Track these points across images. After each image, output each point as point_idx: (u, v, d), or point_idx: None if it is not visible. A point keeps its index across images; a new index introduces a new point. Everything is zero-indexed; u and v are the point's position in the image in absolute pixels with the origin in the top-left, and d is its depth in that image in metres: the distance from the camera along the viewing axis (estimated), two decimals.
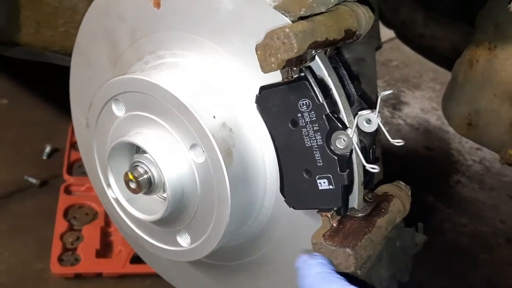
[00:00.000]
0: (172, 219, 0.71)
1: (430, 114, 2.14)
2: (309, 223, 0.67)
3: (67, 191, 1.48)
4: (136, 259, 1.32)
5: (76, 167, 1.56)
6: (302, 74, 0.58)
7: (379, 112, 0.59)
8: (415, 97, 2.25)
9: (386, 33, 1.39)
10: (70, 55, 0.97)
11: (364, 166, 0.60)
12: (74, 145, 1.61)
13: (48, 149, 1.62)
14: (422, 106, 2.19)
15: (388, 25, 1.44)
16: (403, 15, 1.31)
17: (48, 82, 1.74)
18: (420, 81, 2.34)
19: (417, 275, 1.23)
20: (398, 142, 0.59)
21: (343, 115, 0.59)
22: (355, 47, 1.00)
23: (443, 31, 1.24)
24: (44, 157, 1.61)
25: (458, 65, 1.01)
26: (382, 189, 0.67)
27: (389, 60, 2.44)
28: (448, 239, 1.54)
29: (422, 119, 2.11)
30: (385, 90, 0.62)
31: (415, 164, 1.86)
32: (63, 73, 1.03)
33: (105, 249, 1.35)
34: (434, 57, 1.36)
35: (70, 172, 1.54)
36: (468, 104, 0.99)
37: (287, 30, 0.52)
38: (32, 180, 1.52)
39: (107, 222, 1.41)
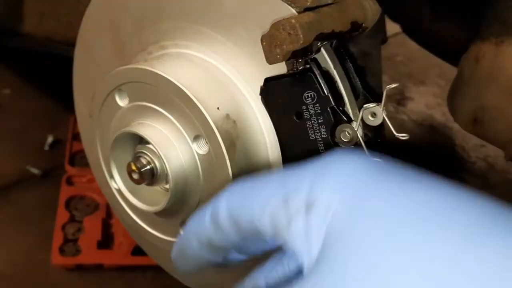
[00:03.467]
0: (174, 210, 0.70)
1: (434, 110, 2.13)
2: None
3: (69, 182, 1.48)
4: (137, 251, 1.32)
5: (78, 158, 1.56)
6: (308, 66, 0.57)
7: (384, 105, 0.58)
8: (420, 93, 2.24)
9: (391, 27, 1.38)
10: (72, 45, 0.97)
11: None
12: (76, 136, 1.60)
13: (50, 139, 1.62)
14: (427, 101, 2.18)
15: (394, 19, 1.42)
16: (410, 9, 1.30)
17: (50, 73, 1.74)
18: (425, 77, 2.33)
19: None
20: (403, 136, 0.58)
21: (348, 108, 0.59)
22: (361, 41, 0.99)
23: (450, 26, 1.23)
24: (46, 148, 1.61)
25: (464, 61, 1.00)
26: None
27: (394, 55, 2.42)
28: None
29: (427, 115, 2.10)
30: (390, 85, 0.61)
31: (418, 160, 1.85)
32: (66, 63, 1.03)
33: (106, 241, 1.35)
34: (440, 52, 1.35)
35: (72, 163, 1.54)
36: (474, 100, 0.98)
37: (293, 21, 0.52)
38: (34, 171, 1.52)
39: (109, 214, 1.41)
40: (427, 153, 1.91)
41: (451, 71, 1.26)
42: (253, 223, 0.39)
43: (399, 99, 2.15)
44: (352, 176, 0.37)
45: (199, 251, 0.45)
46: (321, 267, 0.34)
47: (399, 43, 2.34)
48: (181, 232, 0.48)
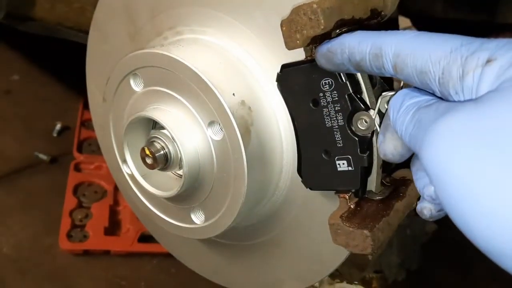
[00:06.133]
0: (187, 196, 0.70)
1: None
2: (324, 204, 0.66)
3: (77, 168, 1.49)
4: (144, 238, 1.33)
5: (86, 145, 1.57)
6: None
7: None
8: None
9: (400, 23, 1.37)
10: (84, 31, 0.97)
11: None
12: (84, 123, 1.61)
13: (58, 126, 1.63)
14: None
15: (404, 13, 1.42)
16: (421, 2, 1.29)
17: (60, 59, 1.74)
18: None
19: (425, 264, 1.23)
20: None
21: (365, 96, 0.58)
22: None
23: (463, 16, 1.22)
24: (55, 134, 1.62)
25: None
26: (400, 173, 0.67)
27: None
28: (455, 231, 1.53)
29: None
30: None
31: None
32: (75, 50, 1.02)
33: (113, 227, 1.36)
34: None
35: (80, 150, 1.55)
36: None
37: (314, 6, 0.51)
38: (42, 157, 1.52)
39: (116, 201, 1.42)
40: None
41: None
42: (420, 68, 0.44)
43: None
44: None
45: (344, 61, 0.51)
46: (503, 93, 0.37)
47: None
48: (335, 40, 0.52)
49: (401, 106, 0.46)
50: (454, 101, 0.42)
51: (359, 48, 0.49)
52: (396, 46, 0.46)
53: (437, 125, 0.39)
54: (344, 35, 0.51)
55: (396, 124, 0.46)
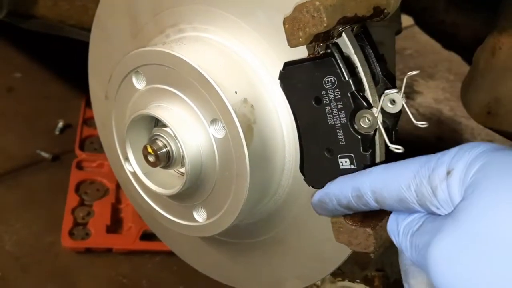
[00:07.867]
0: (189, 194, 0.70)
1: (443, 105, 2.12)
2: None
3: (79, 166, 1.49)
4: (146, 236, 1.33)
5: (88, 143, 1.57)
6: (329, 50, 0.57)
7: (404, 93, 0.58)
8: (429, 87, 2.23)
9: (402, 21, 1.37)
10: (86, 29, 0.97)
11: (387, 147, 0.59)
12: (86, 121, 1.61)
13: (60, 124, 1.63)
14: (435, 96, 2.17)
15: (407, 11, 1.41)
16: (424, 1, 1.29)
17: (62, 57, 1.74)
18: (434, 71, 2.32)
19: None
20: (422, 124, 0.58)
21: (368, 94, 0.58)
22: (375, 30, 0.99)
23: (464, 17, 1.22)
24: (57, 132, 1.62)
25: (480, 52, 0.99)
26: None
27: (404, 48, 2.41)
28: None
29: (435, 109, 2.09)
30: (410, 72, 0.60)
31: (426, 154, 1.85)
32: (78, 47, 1.03)
33: (115, 225, 1.37)
34: (453, 45, 1.34)
35: (82, 148, 1.55)
36: (488, 92, 0.98)
37: (317, 3, 0.51)
38: (45, 154, 1.53)
39: (118, 199, 1.42)
40: (435, 147, 1.91)
41: (460, 66, 1.25)
42: (397, 197, 0.49)
43: (407, 92, 2.15)
44: (484, 150, 0.46)
45: (336, 207, 0.56)
46: (469, 202, 0.43)
47: (409, 37, 2.32)
48: (319, 191, 0.58)
49: (398, 230, 0.51)
50: (439, 215, 0.47)
51: (342, 194, 0.55)
52: (370, 184, 0.51)
53: (430, 253, 0.44)
54: (328, 184, 0.57)
55: (402, 248, 0.51)
